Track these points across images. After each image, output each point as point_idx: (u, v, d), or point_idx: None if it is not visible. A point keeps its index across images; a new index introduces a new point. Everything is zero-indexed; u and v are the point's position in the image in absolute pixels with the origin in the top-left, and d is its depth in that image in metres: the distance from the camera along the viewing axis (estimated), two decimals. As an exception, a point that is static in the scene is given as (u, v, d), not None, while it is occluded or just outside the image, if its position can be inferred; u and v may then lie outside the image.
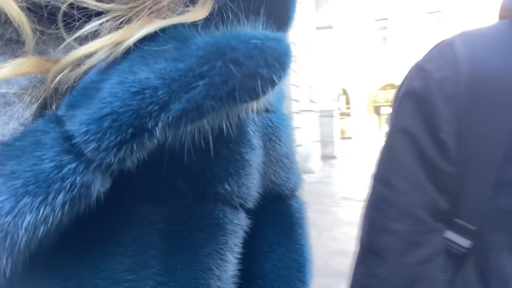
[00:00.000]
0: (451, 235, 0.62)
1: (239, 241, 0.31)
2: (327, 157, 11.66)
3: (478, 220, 0.59)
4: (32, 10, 0.26)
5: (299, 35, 9.17)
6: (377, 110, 22.73)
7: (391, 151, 0.65)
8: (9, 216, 0.20)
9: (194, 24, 0.26)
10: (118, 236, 0.26)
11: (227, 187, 0.29)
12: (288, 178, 0.37)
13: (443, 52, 0.65)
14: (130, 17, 0.25)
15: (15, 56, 0.26)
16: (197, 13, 0.26)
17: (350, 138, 20.67)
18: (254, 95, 0.23)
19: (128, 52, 0.24)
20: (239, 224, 0.31)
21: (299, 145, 8.72)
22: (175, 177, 0.27)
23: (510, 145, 0.56)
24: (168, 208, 0.27)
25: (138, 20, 0.25)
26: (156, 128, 0.22)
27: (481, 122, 0.58)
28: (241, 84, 0.23)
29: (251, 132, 0.32)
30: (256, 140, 0.32)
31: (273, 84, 0.24)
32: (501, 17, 0.68)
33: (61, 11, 0.25)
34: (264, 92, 0.23)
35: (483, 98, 0.58)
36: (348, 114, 21.74)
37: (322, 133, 11.38)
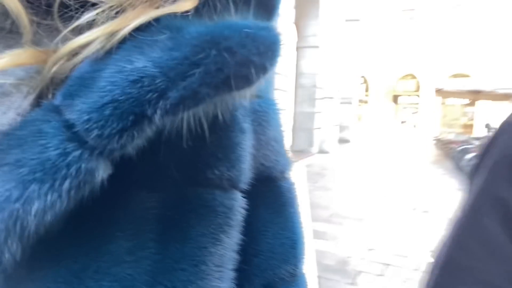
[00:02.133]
0: None
1: (234, 222, 0.32)
2: (342, 141, 12.87)
3: None
4: (29, 1, 0.26)
5: (328, 27, 10.22)
6: (395, 99, 23.59)
7: (474, 215, 0.54)
8: (18, 203, 0.21)
9: (185, 14, 0.27)
10: (117, 221, 0.27)
11: (216, 171, 0.30)
12: (278, 161, 0.39)
13: None
14: (124, 7, 0.26)
15: (9, 46, 0.27)
16: (188, 2, 0.27)
17: (361, 124, 21.67)
18: (247, 82, 0.25)
19: (122, 41, 0.25)
20: (232, 206, 0.32)
21: (318, 128, 9.91)
22: (168, 164, 0.29)
23: None
24: (161, 194, 0.29)
25: (133, 9, 0.26)
26: (155, 115, 0.23)
27: None
28: (235, 72, 0.24)
29: (240, 116, 0.33)
30: (245, 124, 0.34)
31: (265, 71, 0.25)
32: None
33: (57, 2, 0.26)
34: (257, 79, 0.25)
35: None
36: (366, 102, 22.69)
37: (340, 118, 12.55)
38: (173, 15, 0.26)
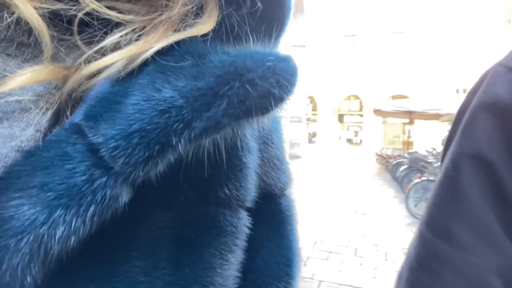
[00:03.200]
0: None
1: (240, 242, 0.33)
2: (293, 157, 13.75)
3: None
4: (51, 18, 0.26)
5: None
6: (340, 118, 25.08)
7: (454, 186, 0.45)
8: (43, 227, 0.21)
9: (205, 39, 0.27)
10: (133, 240, 0.27)
11: (227, 191, 0.31)
12: (278, 178, 0.39)
13: None
14: (147, 30, 0.27)
15: (26, 60, 0.27)
16: (206, 25, 0.28)
17: (314, 140, 22.86)
18: (266, 112, 0.26)
19: (145, 64, 0.25)
20: (238, 225, 0.32)
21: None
22: (183, 185, 0.29)
23: None
24: (176, 213, 0.29)
25: (155, 31, 0.26)
26: (180, 144, 0.23)
27: None
28: (256, 104, 0.25)
29: (248, 136, 0.33)
30: (252, 143, 0.34)
31: (282, 101, 0.26)
32: None
33: (77, 20, 0.26)
34: (275, 109, 0.26)
35: None
36: (315, 120, 23.97)
37: (290, 135, 13.45)
38: (193, 38, 0.27)
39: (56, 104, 0.27)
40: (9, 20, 0.25)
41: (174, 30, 0.27)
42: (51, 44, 0.26)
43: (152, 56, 0.26)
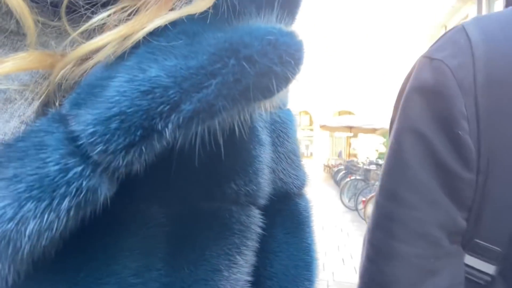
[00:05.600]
0: (471, 260, 0.51)
1: (250, 242, 0.30)
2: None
3: (504, 239, 0.47)
4: (34, 1, 0.24)
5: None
6: (293, 132, 27.14)
7: (398, 157, 0.54)
8: (11, 223, 0.19)
9: (202, 16, 0.24)
10: (123, 239, 0.25)
11: (234, 186, 0.29)
12: (297, 176, 0.36)
13: (454, 38, 0.55)
14: (138, 8, 0.24)
15: (15, 48, 0.25)
16: (204, 0, 0.25)
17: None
18: (268, 93, 0.23)
19: (136, 46, 0.23)
20: (248, 223, 0.30)
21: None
22: (181, 178, 0.27)
23: None
24: (174, 209, 0.27)
25: (147, 10, 0.24)
26: (166, 130, 0.21)
27: (506, 117, 0.48)
28: (255, 83, 0.22)
29: (259, 128, 0.31)
30: (264, 136, 0.32)
31: (287, 81, 0.23)
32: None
33: (64, 3, 0.24)
34: (278, 90, 0.23)
35: (506, 87, 0.48)
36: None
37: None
38: (190, 18, 0.24)
39: (44, 95, 0.25)
40: None
41: (169, 9, 0.25)
42: (35, 29, 0.24)
43: (144, 37, 0.23)
